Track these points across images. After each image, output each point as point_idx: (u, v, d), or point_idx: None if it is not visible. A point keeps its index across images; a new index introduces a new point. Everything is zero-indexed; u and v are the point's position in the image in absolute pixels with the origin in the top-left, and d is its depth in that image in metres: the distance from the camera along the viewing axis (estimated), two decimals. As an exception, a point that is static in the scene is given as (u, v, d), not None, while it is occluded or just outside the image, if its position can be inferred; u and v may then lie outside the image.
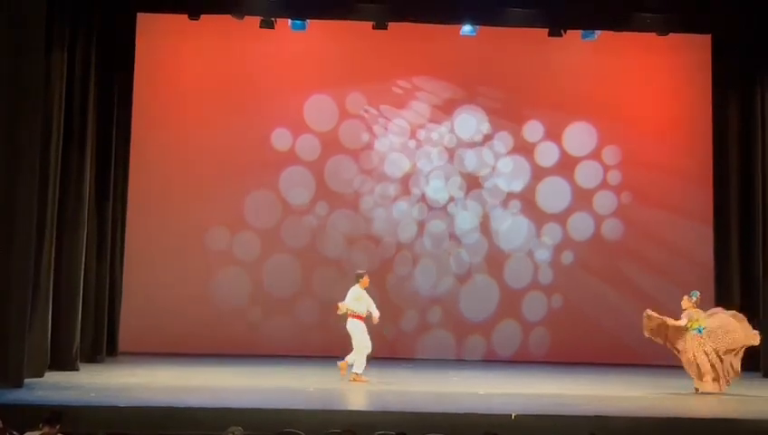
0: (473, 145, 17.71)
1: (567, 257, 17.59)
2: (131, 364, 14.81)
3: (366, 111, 17.61)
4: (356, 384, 13.24)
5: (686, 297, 13.49)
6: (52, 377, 12.93)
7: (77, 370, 13.87)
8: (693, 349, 13.17)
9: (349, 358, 13.61)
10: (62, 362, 13.74)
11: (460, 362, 17.01)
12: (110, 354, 15.43)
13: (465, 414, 10.92)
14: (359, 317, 13.63)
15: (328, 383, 13.25)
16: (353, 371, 13.45)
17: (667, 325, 13.38)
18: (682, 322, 13.32)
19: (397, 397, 12.37)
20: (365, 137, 17.59)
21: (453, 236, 17.61)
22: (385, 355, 15.73)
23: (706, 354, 13.10)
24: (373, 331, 13.80)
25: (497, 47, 17.27)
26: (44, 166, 12.94)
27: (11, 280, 12.12)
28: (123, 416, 10.41)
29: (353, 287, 13.79)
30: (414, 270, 17.54)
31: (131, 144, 16.18)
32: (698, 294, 13.63)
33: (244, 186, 17.31)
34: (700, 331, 13.24)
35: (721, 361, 13.13)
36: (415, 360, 16.95)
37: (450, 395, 12.70)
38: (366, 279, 13.86)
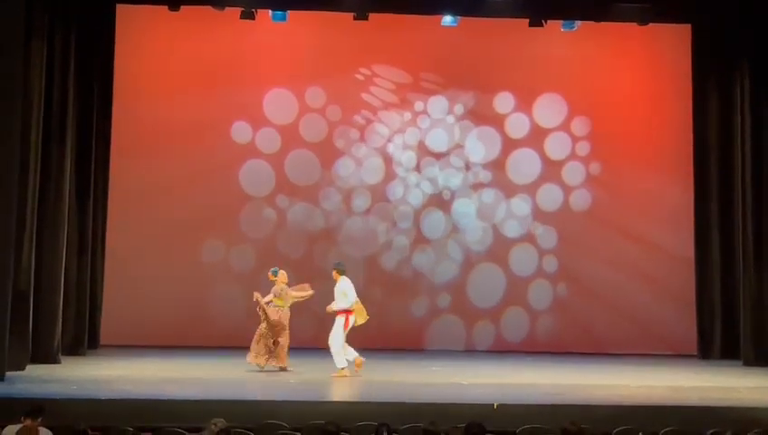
0: (448, 128, 17.59)
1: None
2: (113, 357, 14.77)
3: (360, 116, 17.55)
4: (339, 377, 13.22)
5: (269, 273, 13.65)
6: (33, 370, 12.90)
7: (59, 363, 13.86)
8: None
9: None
10: (44, 355, 13.71)
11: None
12: (91, 347, 15.36)
13: (449, 404, 10.93)
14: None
15: (310, 375, 13.24)
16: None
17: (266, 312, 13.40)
18: (268, 297, 13.45)
19: (379, 387, 12.36)
20: (350, 129, 17.54)
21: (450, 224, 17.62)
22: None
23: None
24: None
25: (472, 34, 17.07)
26: (24, 162, 12.89)
27: (-9, 274, 12.07)
28: (105, 408, 10.41)
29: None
30: (414, 260, 17.47)
31: (112, 139, 16.09)
32: (278, 270, 13.62)
33: (226, 180, 17.25)
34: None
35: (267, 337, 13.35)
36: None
37: (434, 386, 12.70)
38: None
